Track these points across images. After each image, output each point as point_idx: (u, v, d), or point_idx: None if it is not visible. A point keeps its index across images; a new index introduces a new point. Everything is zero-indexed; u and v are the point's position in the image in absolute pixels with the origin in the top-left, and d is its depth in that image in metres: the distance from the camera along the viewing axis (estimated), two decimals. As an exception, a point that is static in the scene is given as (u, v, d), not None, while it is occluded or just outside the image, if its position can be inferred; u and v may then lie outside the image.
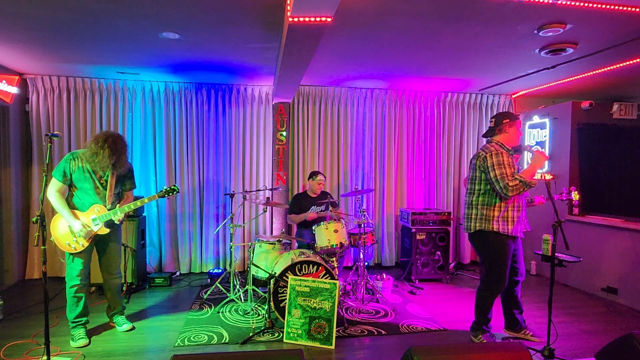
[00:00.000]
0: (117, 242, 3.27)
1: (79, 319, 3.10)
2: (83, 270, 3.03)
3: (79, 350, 2.96)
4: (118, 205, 3.09)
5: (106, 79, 4.93)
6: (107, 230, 3.04)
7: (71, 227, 2.93)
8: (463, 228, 3.18)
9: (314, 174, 4.51)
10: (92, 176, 2.98)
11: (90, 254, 3.11)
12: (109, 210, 3.01)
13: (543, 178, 4.78)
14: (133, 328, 3.36)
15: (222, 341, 3.14)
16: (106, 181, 3.02)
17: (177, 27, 3.22)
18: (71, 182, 2.97)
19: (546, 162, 4.89)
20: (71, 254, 2.99)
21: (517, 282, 3.11)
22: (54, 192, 2.93)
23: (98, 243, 3.15)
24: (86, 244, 2.98)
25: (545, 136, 5.18)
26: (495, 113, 5.70)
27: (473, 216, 3.04)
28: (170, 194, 3.20)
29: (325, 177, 4.63)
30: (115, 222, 3.06)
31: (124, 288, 4.00)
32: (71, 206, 3.00)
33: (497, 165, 2.84)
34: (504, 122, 2.99)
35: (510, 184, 2.77)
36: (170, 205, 5.13)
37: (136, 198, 3.40)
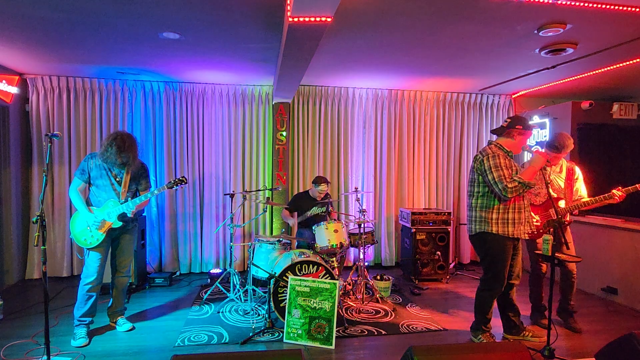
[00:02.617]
0: (132, 235, 3.37)
1: (84, 319, 3.13)
2: (99, 267, 3.11)
3: (79, 350, 2.97)
4: (130, 198, 3.19)
5: (106, 79, 4.93)
6: (120, 223, 3.13)
7: (87, 220, 3.06)
8: (467, 230, 3.17)
9: (317, 182, 4.42)
10: (108, 174, 3.13)
11: (107, 251, 3.21)
12: (121, 204, 3.12)
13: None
14: (133, 328, 3.37)
15: (222, 341, 3.14)
16: (121, 179, 3.16)
17: (177, 27, 3.22)
18: (89, 179, 3.10)
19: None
20: (88, 249, 3.09)
21: (512, 285, 3.10)
22: (74, 190, 3.12)
23: (114, 239, 3.26)
24: (101, 238, 3.07)
25: (545, 136, 5.18)
26: (495, 113, 5.75)
27: (473, 218, 3.03)
28: (179, 184, 3.28)
29: (329, 184, 4.53)
30: (128, 214, 3.14)
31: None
32: (88, 202, 3.16)
33: (494, 168, 2.83)
34: (516, 127, 2.94)
35: (509, 185, 2.76)
36: (170, 205, 5.13)
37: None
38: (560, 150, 3.31)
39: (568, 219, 3.41)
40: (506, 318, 3.18)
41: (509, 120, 3.02)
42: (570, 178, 3.41)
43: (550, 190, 3.31)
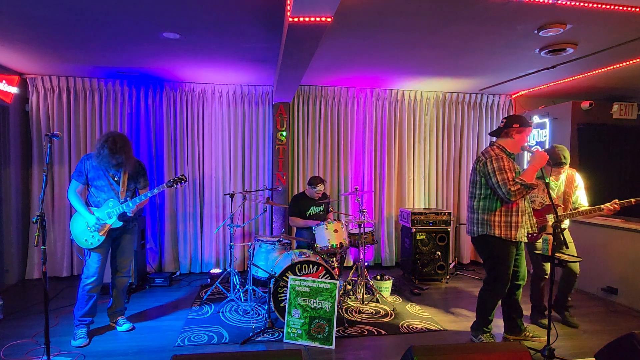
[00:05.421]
0: (132, 235, 3.37)
1: (84, 319, 3.14)
2: (100, 268, 3.12)
3: (79, 350, 2.97)
4: (129, 197, 3.19)
5: (106, 79, 4.93)
6: (120, 223, 3.14)
7: (87, 222, 3.06)
8: (466, 231, 3.15)
9: (313, 183, 4.33)
10: (105, 174, 3.13)
11: (107, 251, 3.22)
12: (121, 204, 3.12)
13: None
14: (133, 328, 3.37)
15: (222, 341, 3.14)
16: (119, 179, 3.15)
17: (177, 27, 3.22)
18: (87, 180, 3.12)
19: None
20: (89, 249, 3.09)
21: (518, 286, 3.09)
22: (73, 192, 3.11)
23: (114, 239, 3.27)
24: (102, 238, 3.08)
25: (545, 136, 5.18)
26: (495, 113, 5.75)
27: (475, 221, 3.01)
28: (179, 183, 3.28)
29: (325, 182, 4.51)
30: (129, 214, 3.14)
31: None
32: (87, 203, 3.16)
33: (497, 171, 2.81)
34: (513, 125, 2.92)
35: (512, 189, 2.74)
36: (170, 205, 5.13)
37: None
38: (560, 165, 3.28)
39: (563, 226, 3.39)
40: (509, 319, 3.17)
41: (504, 120, 3.00)
42: (569, 186, 3.36)
43: (552, 194, 3.30)
